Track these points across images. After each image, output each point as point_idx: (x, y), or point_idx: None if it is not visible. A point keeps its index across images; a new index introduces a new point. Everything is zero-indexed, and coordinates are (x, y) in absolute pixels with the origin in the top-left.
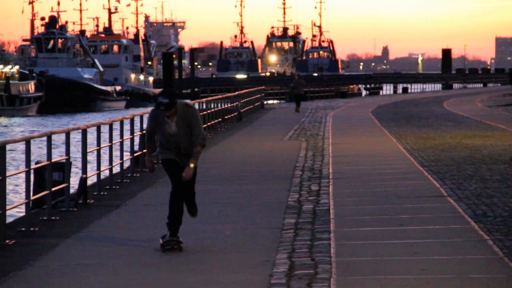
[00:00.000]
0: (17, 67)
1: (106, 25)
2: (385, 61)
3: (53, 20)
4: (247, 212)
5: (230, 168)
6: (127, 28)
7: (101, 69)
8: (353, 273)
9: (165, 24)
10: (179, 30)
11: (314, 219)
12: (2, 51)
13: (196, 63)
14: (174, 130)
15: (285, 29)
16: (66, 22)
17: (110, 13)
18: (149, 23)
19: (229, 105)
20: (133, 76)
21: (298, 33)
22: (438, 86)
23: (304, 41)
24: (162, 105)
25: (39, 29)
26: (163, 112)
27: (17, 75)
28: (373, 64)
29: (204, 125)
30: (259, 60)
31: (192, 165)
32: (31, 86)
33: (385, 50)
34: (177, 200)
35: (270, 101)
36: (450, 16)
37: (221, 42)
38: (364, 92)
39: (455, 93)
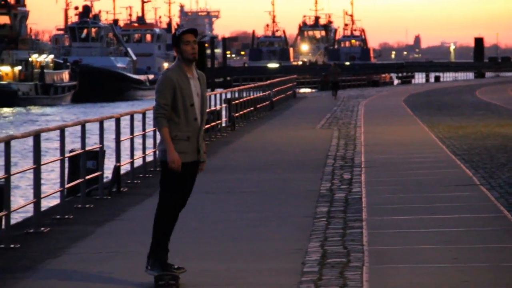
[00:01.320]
0: (51, 56)
1: (139, 14)
2: (417, 50)
3: (87, 9)
4: (279, 201)
5: (262, 156)
6: (159, 17)
7: (134, 58)
8: (386, 262)
9: (199, 13)
10: (213, 19)
11: (346, 207)
12: (36, 40)
13: (229, 52)
14: (199, 91)
15: (317, 18)
16: (100, 12)
17: (143, 2)
18: (183, 13)
19: (261, 94)
20: (165, 65)
21: (330, 22)
22: (470, 75)
23: (335, 30)
24: (185, 31)
25: (73, 18)
26: (185, 46)
27: (51, 64)
28: (405, 52)
29: (236, 114)
30: (291, 49)
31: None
32: (65, 75)
33: (417, 39)
34: (175, 218)
35: (302, 90)
36: (483, 4)
37: (253, 31)
38: (396, 81)
39: (487, 81)
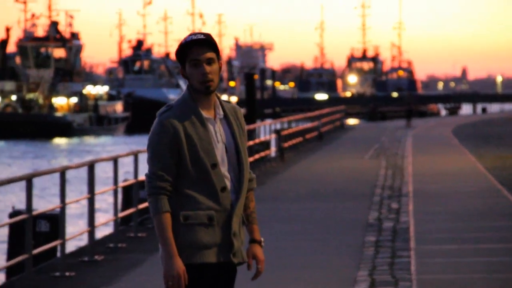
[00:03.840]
0: (105, 88)
1: None
2: (464, 81)
3: (140, 43)
4: (328, 230)
5: (311, 186)
6: None
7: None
8: None
9: (253, 46)
10: (267, 51)
11: (394, 237)
12: (91, 72)
13: (278, 83)
14: (230, 138)
15: (365, 50)
16: (152, 45)
17: None
18: (238, 46)
19: (310, 124)
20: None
21: (377, 54)
22: None
23: (383, 62)
24: (191, 42)
25: (126, 51)
26: (195, 62)
27: (105, 96)
28: (452, 83)
29: (286, 144)
30: (339, 81)
31: (262, 241)
32: (119, 106)
33: (464, 71)
34: None
35: (350, 121)
36: None
37: (302, 63)
38: (443, 112)
39: None
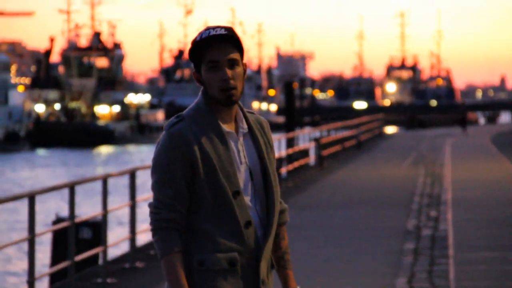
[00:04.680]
0: (146, 97)
1: None
2: (503, 89)
3: (181, 52)
4: (367, 237)
5: (350, 193)
6: (250, 59)
7: None
8: None
9: (294, 55)
10: (307, 60)
11: (433, 244)
12: (132, 82)
13: (317, 92)
14: (255, 159)
15: (404, 59)
16: None
17: None
18: (280, 56)
19: (348, 133)
20: (255, 104)
21: (416, 63)
22: None
23: (421, 70)
24: (212, 38)
25: (167, 60)
26: (215, 62)
27: (146, 105)
28: (491, 92)
29: (324, 152)
30: (378, 89)
31: None
32: (160, 115)
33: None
34: None
35: (389, 129)
36: None
37: (341, 72)
38: (481, 120)
39: None
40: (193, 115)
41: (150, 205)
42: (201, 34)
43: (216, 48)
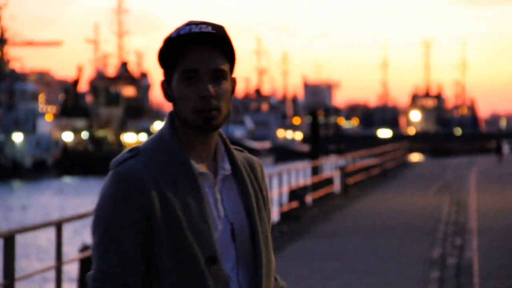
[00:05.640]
0: None
1: (256, 84)
2: None
3: None
4: (392, 266)
5: (375, 221)
6: (275, 88)
7: (251, 126)
8: None
9: (320, 84)
10: (333, 89)
11: (458, 273)
12: (159, 110)
13: (342, 120)
14: (239, 214)
15: (428, 88)
16: None
17: (260, 74)
18: (306, 84)
19: (373, 161)
20: (281, 133)
21: (441, 92)
22: None
23: (446, 99)
24: (192, 36)
25: None
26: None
27: None
28: None
29: (349, 180)
30: (402, 117)
31: None
32: None
33: None
34: None
35: (414, 157)
36: None
37: (366, 100)
38: (506, 149)
39: None
40: (152, 148)
41: (88, 277)
42: (178, 30)
43: (198, 52)
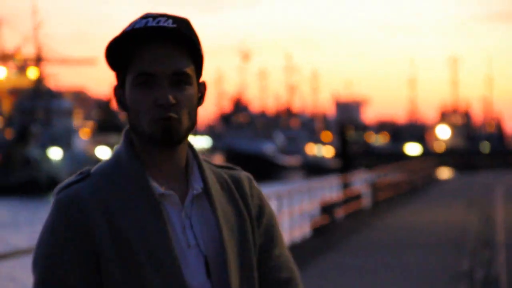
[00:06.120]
0: (206, 140)
1: (287, 101)
2: None
3: (238, 99)
4: (420, 279)
5: (403, 236)
6: (305, 104)
7: (281, 142)
8: None
9: (350, 101)
10: (363, 106)
11: (486, 287)
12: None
13: (371, 135)
14: (213, 241)
15: (456, 104)
16: (250, 101)
17: (290, 90)
18: (336, 101)
19: (402, 176)
20: (310, 148)
21: (469, 108)
22: None
23: (474, 116)
24: (146, 31)
25: (226, 106)
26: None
27: (206, 149)
28: None
29: (379, 195)
30: (431, 134)
31: None
32: (219, 159)
33: None
34: None
35: (443, 173)
36: None
37: (394, 117)
38: None
39: None
40: (105, 168)
41: None
42: (133, 24)
43: (154, 51)
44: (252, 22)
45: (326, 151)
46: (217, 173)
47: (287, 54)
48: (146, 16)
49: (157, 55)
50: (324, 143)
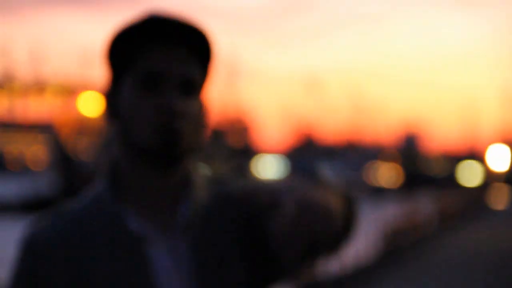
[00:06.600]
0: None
1: (352, 132)
2: None
3: (308, 134)
4: None
5: (469, 255)
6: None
7: (344, 171)
8: None
9: (412, 133)
10: (423, 137)
11: None
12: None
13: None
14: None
15: None
16: (317, 132)
17: (356, 121)
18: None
19: (464, 199)
20: (374, 176)
21: None
22: None
23: None
24: (153, 26)
25: (295, 139)
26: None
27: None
28: None
29: (445, 218)
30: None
31: None
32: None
33: None
34: None
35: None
36: None
37: (454, 147)
38: None
39: None
40: (80, 207)
41: None
42: (141, 18)
43: (166, 51)
44: (313, 52)
45: (390, 179)
46: (220, 194)
47: (354, 85)
48: (151, 13)
49: (168, 56)
50: (387, 172)
